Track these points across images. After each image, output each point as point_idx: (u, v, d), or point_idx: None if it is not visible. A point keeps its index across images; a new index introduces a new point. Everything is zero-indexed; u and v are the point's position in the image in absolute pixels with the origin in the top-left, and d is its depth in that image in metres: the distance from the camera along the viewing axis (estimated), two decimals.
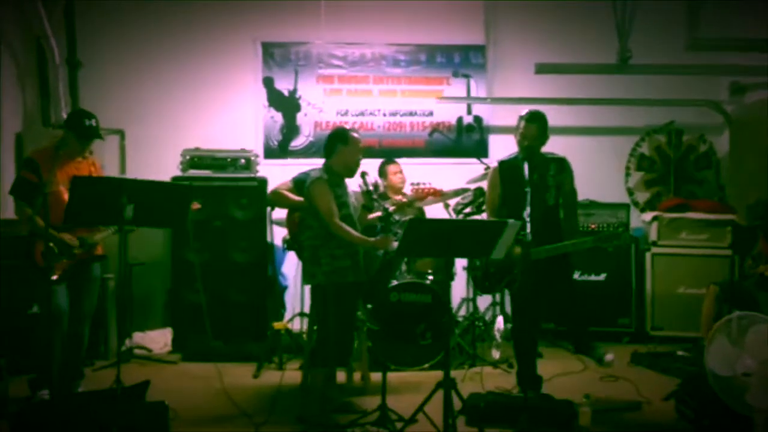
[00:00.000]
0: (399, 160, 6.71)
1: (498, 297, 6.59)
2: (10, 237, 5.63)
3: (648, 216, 7.13)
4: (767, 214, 5.72)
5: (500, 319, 6.34)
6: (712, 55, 6.91)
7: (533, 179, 4.84)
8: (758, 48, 6.51)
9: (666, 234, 6.95)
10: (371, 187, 4.87)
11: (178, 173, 6.43)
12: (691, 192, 7.60)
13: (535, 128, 4.87)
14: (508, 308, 6.85)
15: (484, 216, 6.24)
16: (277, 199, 5.22)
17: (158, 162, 6.63)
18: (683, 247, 6.89)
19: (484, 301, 6.70)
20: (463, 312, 6.71)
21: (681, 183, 7.64)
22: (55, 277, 4.57)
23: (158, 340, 6.52)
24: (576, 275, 6.69)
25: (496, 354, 6.04)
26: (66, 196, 4.39)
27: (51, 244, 4.52)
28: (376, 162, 6.50)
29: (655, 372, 5.87)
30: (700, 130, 7.66)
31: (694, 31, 6.29)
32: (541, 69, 7.02)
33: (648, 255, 6.94)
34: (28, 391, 4.77)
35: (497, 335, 6.20)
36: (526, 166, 4.83)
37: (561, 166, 4.93)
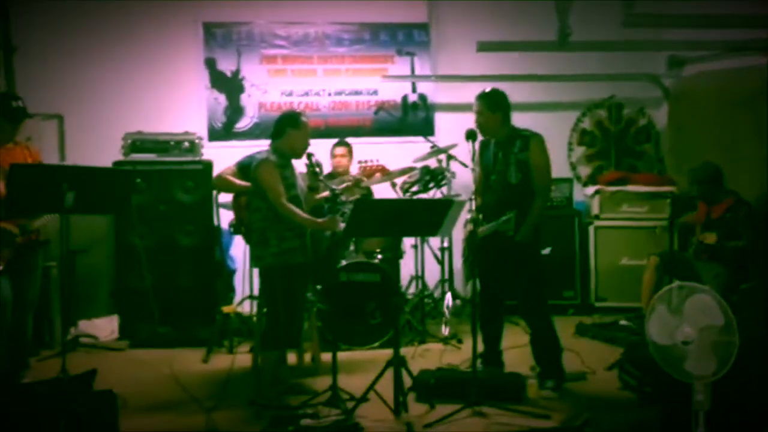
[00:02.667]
0: (349, 140, 6.71)
1: (446, 274, 6.66)
2: None
3: (590, 190, 7.28)
4: (707, 178, 5.82)
5: (449, 296, 6.41)
6: (650, 30, 7.05)
7: (497, 157, 4.86)
8: (694, 23, 6.66)
9: (608, 207, 7.11)
10: (317, 168, 4.86)
11: (120, 158, 6.32)
12: (631, 165, 7.76)
13: (481, 105, 4.88)
14: (457, 285, 6.95)
15: (430, 194, 6.31)
16: (222, 184, 5.18)
17: (99, 147, 6.50)
18: (625, 220, 7.06)
19: (432, 279, 6.77)
20: (412, 290, 6.77)
21: (621, 156, 7.80)
22: None
23: (104, 327, 6.43)
24: None
25: (445, 330, 6.11)
26: (2, 186, 4.30)
27: None
28: (322, 142, 6.48)
29: (600, 342, 6.02)
30: (639, 104, 7.82)
31: (631, 7, 6.40)
32: (483, 47, 7.08)
33: (591, 228, 7.09)
34: None
35: (446, 312, 6.27)
36: (492, 145, 4.87)
37: (525, 143, 4.80)
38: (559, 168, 7.34)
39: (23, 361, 4.90)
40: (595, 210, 7.12)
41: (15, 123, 4.67)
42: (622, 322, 6.16)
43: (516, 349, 5.36)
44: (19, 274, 4.68)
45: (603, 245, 7.03)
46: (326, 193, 4.89)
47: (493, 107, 4.87)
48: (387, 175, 6.01)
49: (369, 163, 6.26)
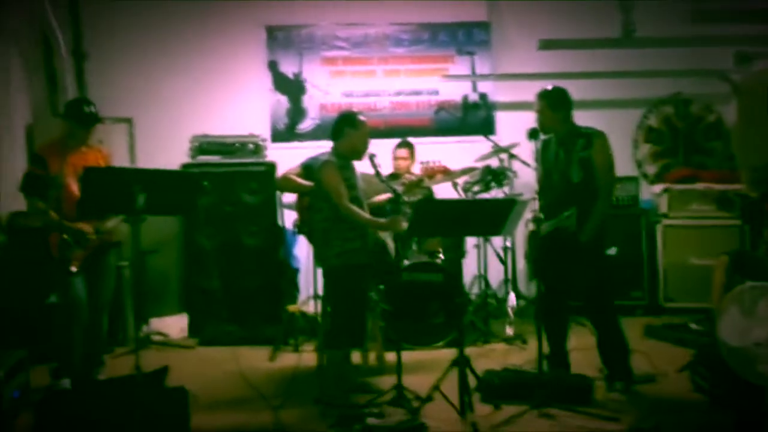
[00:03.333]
0: (411, 140, 6.73)
1: (509, 273, 6.62)
2: (25, 229, 5.70)
3: (658, 188, 7.14)
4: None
5: (512, 296, 6.37)
6: (717, 25, 6.88)
7: (559, 155, 4.83)
8: (762, 18, 6.47)
9: (676, 206, 6.96)
10: (379, 168, 4.88)
11: (188, 160, 6.47)
12: (700, 163, 7.58)
13: (542, 104, 4.83)
14: (521, 284, 6.90)
15: (492, 194, 6.29)
16: (286, 183, 5.25)
17: (167, 149, 6.68)
18: (694, 219, 6.91)
19: (495, 278, 6.74)
20: (475, 289, 6.74)
21: (690, 154, 7.62)
22: (73, 269, 4.62)
23: (174, 325, 6.57)
24: None
25: (509, 330, 6.07)
26: (75, 188, 4.44)
27: (65, 236, 4.56)
28: (382, 142, 6.50)
29: (669, 344, 5.90)
30: (707, 100, 7.63)
31: (698, 1, 6.26)
32: (545, 45, 7.01)
33: (659, 227, 6.96)
34: (50, 380, 4.84)
35: (510, 312, 6.23)
36: (554, 143, 4.84)
37: (588, 141, 4.73)
38: (624, 166, 7.24)
39: (98, 358, 5.04)
40: (663, 208, 6.98)
41: (88, 127, 4.80)
42: (692, 325, 6.01)
43: (582, 350, 5.28)
44: (93, 274, 4.82)
45: (671, 244, 6.89)
46: (385, 196, 4.91)
47: (555, 105, 4.82)
48: (448, 175, 6.01)
49: (431, 164, 6.26)
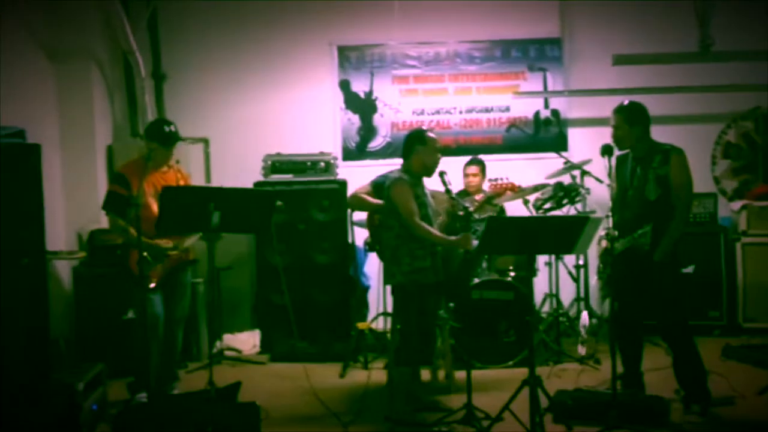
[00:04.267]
0: (482, 157, 6.71)
1: (582, 292, 6.51)
2: (105, 246, 5.90)
3: (736, 205, 6.93)
4: None
5: (585, 315, 6.25)
6: None
7: (636, 172, 4.74)
8: None
9: (756, 223, 6.74)
10: (450, 186, 4.87)
11: (261, 178, 6.59)
12: None
13: (619, 119, 4.76)
14: (593, 303, 6.78)
15: (564, 211, 6.20)
16: (356, 202, 5.32)
17: (241, 168, 6.82)
18: None
19: (567, 297, 6.63)
20: (546, 308, 6.65)
21: None
22: (152, 285, 4.75)
23: (247, 341, 6.68)
24: None
25: (581, 350, 5.96)
26: (155, 207, 4.58)
27: (145, 254, 4.70)
28: (453, 160, 6.50)
29: (749, 365, 5.70)
30: None
31: None
32: (619, 60, 6.90)
33: (738, 245, 6.74)
34: (126, 394, 4.98)
35: (582, 331, 6.12)
36: (630, 159, 4.77)
37: (665, 157, 4.64)
38: (702, 182, 7.04)
39: (173, 373, 5.16)
40: (743, 226, 6.76)
41: (169, 147, 4.95)
42: None
43: (658, 371, 5.15)
44: (171, 291, 4.96)
45: (751, 263, 6.66)
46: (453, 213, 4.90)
47: (631, 121, 4.74)
48: (519, 191, 5.96)
49: (500, 182, 6.22)
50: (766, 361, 5.61)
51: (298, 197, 6.52)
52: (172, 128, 4.97)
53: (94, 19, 6.60)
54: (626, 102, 4.84)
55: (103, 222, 5.55)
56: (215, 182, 7.02)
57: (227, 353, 6.47)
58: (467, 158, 6.75)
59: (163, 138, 4.90)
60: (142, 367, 4.81)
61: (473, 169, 6.58)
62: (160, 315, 4.88)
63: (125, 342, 5.49)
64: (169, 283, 4.91)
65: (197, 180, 6.85)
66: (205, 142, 7.26)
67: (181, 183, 5.02)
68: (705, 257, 6.77)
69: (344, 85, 7.43)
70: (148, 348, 4.75)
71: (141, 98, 6.94)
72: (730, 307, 6.75)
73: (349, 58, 7.43)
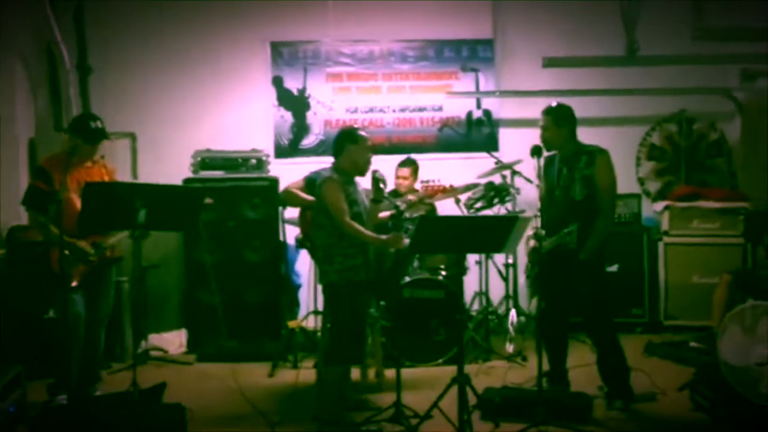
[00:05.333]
0: (413, 156, 6.72)
1: (511, 290, 6.60)
2: (25, 242, 5.70)
3: (659, 206, 7.12)
4: None
5: (513, 313, 6.34)
6: (721, 43, 6.89)
7: (562, 173, 4.82)
8: (765, 36, 6.48)
9: (678, 223, 6.94)
10: (381, 184, 4.87)
11: (190, 175, 6.48)
12: (702, 180, 7.56)
13: (547, 120, 4.84)
14: (522, 301, 6.88)
15: (494, 210, 6.28)
16: (289, 198, 5.28)
17: (170, 164, 6.69)
18: (695, 236, 6.88)
19: (497, 295, 6.71)
20: (476, 306, 6.72)
21: (692, 171, 7.60)
22: (74, 284, 4.61)
23: (173, 341, 6.56)
24: None
25: (510, 348, 6.04)
26: (78, 203, 4.44)
27: (66, 252, 4.55)
28: (386, 158, 6.50)
29: (670, 362, 5.87)
30: (710, 118, 7.62)
31: (701, 20, 6.29)
32: (549, 63, 7.03)
33: (660, 245, 6.93)
34: (46, 396, 4.82)
35: (511, 329, 6.20)
36: (557, 160, 4.84)
37: (591, 158, 4.73)
38: (627, 183, 7.22)
39: (96, 374, 5.03)
40: (665, 226, 6.95)
41: (94, 143, 4.80)
42: (693, 344, 5.97)
43: (582, 367, 5.26)
44: (93, 289, 4.82)
45: (673, 262, 6.86)
46: (388, 213, 4.91)
47: (559, 122, 4.82)
48: (451, 191, 6.00)
49: (432, 183, 6.26)
50: (687, 358, 5.78)
51: (228, 194, 6.43)
52: (98, 124, 4.83)
53: (17, 10, 6.38)
54: (554, 104, 4.92)
55: (24, 218, 5.36)
56: (142, 178, 6.87)
57: (153, 353, 6.32)
58: (400, 157, 6.76)
59: (87, 134, 4.76)
60: (62, 368, 4.67)
61: (405, 171, 6.56)
62: (82, 314, 4.74)
63: (46, 342, 5.32)
64: (92, 282, 4.77)
65: (124, 176, 6.68)
66: (132, 137, 7.10)
67: (106, 179, 4.88)
68: (629, 256, 6.94)
69: (277, 82, 7.35)
70: (69, 348, 4.61)
71: (65, 91, 6.77)
72: (653, 305, 6.93)
73: (282, 54, 7.36)
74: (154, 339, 6.54)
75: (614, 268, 6.79)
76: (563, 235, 4.50)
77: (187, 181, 6.37)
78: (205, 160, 6.52)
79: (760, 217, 5.87)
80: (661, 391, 5.01)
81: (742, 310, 3.46)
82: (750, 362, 3.34)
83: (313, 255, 5.05)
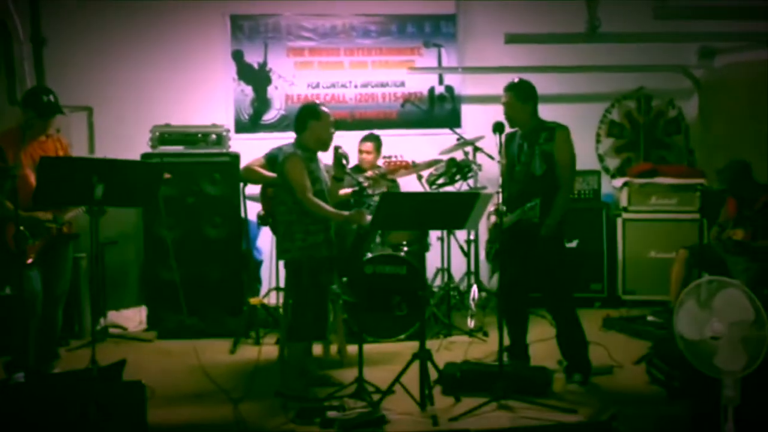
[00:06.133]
0: (375, 132, 6.69)
1: (472, 266, 6.64)
2: None
3: (618, 182, 7.20)
4: (734, 177, 5.80)
5: (474, 289, 6.39)
6: (681, 21, 6.95)
7: (522, 148, 4.83)
8: (725, 14, 6.56)
9: (636, 199, 7.03)
10: (344, 160, 4.85)
11: (148, 150, 6.37)
12: (660, 157, 7.67)
13: (509, 96, 4.85)
14: (483, 277, 6.93)
15: (456, 187, 6.30)
16: (250, 174, 5.24)
17: (128, 139, 6.59)
18: (653, 212, 6.98)
19: (458, 271, 6.75)
20: (438, 282, 6.76)
21: (651, 148, 7.70)
22: (29, 261, 4.53)
23: (133, 318, 6.50)
24: None
25: (471, 323, 6.10)
26: (33, 179, 4.35)
27: (21, 228, 4.46)
28: (348, 134, 6.47)
29: (627, 336, 5.98)
30: (669, 95, 7.71)
31: None
32: (511, 39, 7.02)
33: (619, 220, 7.02)
34: (3, 374, 4.74)
35: (472, 304, 6.25)
36: (518, 136, 4.86)
37: (551, 134, 4.76)
38: (587, 160, 7.30)
39: (53, 351, 4.96)
40: (624, 202, 7.05)
41: (47, 118, 4.70)
42: (650, 318, 6.09)
43: (542, 342, 5.33)
44: (49, 266, 4.74)
45: (631, 238, 6.96)
46: (350, 190, 4.90)
47: (522, 98, 4.84)
48: (413, 167, 6.00)
49: (394, 159, 6.24)
50: (643, 332, 5.89)
51: (188, 170, 6.33)
52: (51, 98, 4.72)
53: None
54: (516, 80, 4.93)
55: None
56: (99, 153, 6.74)
57: (112, 330, 6.26)
58: (362, 133, 6.72)
59: (40, 108, 4.66)
60: (19, 345, 4.57)
61: (368, 146, 6.53)
62: (39, 291, 4.66)
63: (2, 320, 5.21)
64: (48, 259, 4.69)
65: (80, 151, 6.59)
66: (89, 111, 6.96)
67: (61, 154, 4.79)
68: (588, 232, 7.02)
69: (237, 56, 7.25)
70: (25, 326, 4.52)
71: (19, 64, 6.61)
72: (611, 280, 7.04)
73: (243, 27, 7.25)
74: (114, 316, 6.47)
75: (574, 243, 6.87)
76: (526, 210, 4.53)
77: (145, 156, 6.27)
78: (164, 135, 6.42)
79: (716, 193, 5.98)
80: (618, 365, 5.10)
81: (698, 285, 3.52)
82: (705, 336, 3.40)
83: (275, 232, 5.02)
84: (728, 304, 3.39)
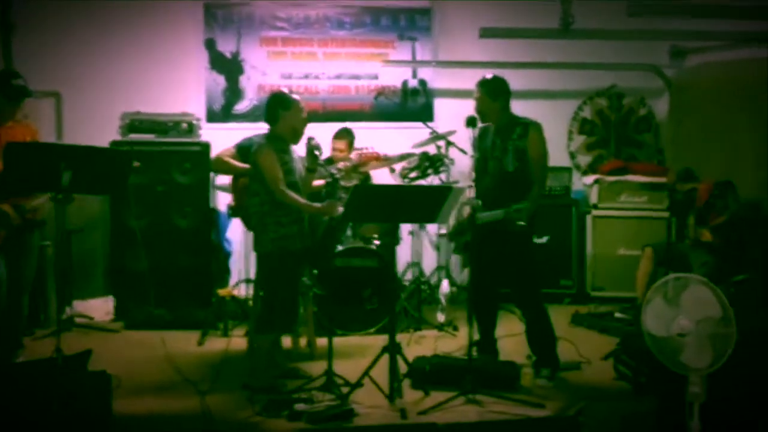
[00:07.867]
0: (347, 125, 6.63)
1: (443, 260, 6.65)
2: None
3: (589, 179, 7.26)
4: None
5: (445, 283, 6.39)
6: (653, 20, 7.01)
7: (495, 143, 4.84)
8: (697, 14, 6.62)
9: (606, 197, 7.09)
10: (316, 151, 4.81)
11: (118, 137, 6.29)
12: (631, 155, 7.74)
13: (481, 92, 4.85)
14: (454, 272, 6.94)
15: (428, 180, 6.29)
16: (220, 165, 5.19)
17: (96, 126, 6.48)
18: (623, 210, 7.05)
19: (429, 265, 6.75)
20: (409, 276, 6.76)
21: (621, 146, 7.77)
22: None
23: (100, 308, 6.41)
24: None
25: (441, 317, 6.10)
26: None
27: None
28: (320, 126, 6.41)
29: (595, 332, 6.03)
30: (640, 93, 7.79)
31: None
32: (486, 33, 7.01)
33: (589, 217, 7.08)
34: None
35: (442, 299, 6.25)
36: (491, 132, 4.86)
37: (524, 130, 4.76)
38: (559, 157, 7.33)
39: (17, 340, 4.87)
40: (594, 199, 7.10)
41: (15, 102, 4.61)
42: (618, 315, 6.15)
43: (511, 337, 5.35)
44: (14, 254, 4.64)
45: (601, 235, 7.02)
46: (323, 181, 4.87)
47: (493, 94, 4.84)
48: (386, 160, 5.98)
49: (364, 151, 6.20)
50: (611, 328, 5.94)
51: (158, 159, 6.26)
52: (20, 82, 4.63)
53: None
54: (489, 76, 4.94)
55: None
56: (68, 140, 6.63)
57: (78, 320, 6.17)
58: (335, 125, 6.64)
59: (8, 92, 4.56)
60: None
61: (341, 144, 6.32)
62: (3, 279, 4.57)
63: None
64: (14, 246, 4.59)
65: (48, 137, 6.43)
66: (57, 96, 6.84)
67: (29, 140, 4.69)
68: (558, 229, 7.07)
69: (210, 44, 7.18)
70: None
71: None
72: (580, 277, 7.10)
73: (216, 16, 7.18)
74: (80, 305, 6.37)
75: (544, 240, 6.91)
76: (511, 212, 4.50)
77: (114, 143, 6.18)
78: (134, 123, 6.33)
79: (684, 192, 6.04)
80: (586, 360, 5.14)
81: (665, 282, 3.55)
82: (672, 333, 3.43)
83: (247, 223, 4.98)
84: (695, 301, 3.43)
